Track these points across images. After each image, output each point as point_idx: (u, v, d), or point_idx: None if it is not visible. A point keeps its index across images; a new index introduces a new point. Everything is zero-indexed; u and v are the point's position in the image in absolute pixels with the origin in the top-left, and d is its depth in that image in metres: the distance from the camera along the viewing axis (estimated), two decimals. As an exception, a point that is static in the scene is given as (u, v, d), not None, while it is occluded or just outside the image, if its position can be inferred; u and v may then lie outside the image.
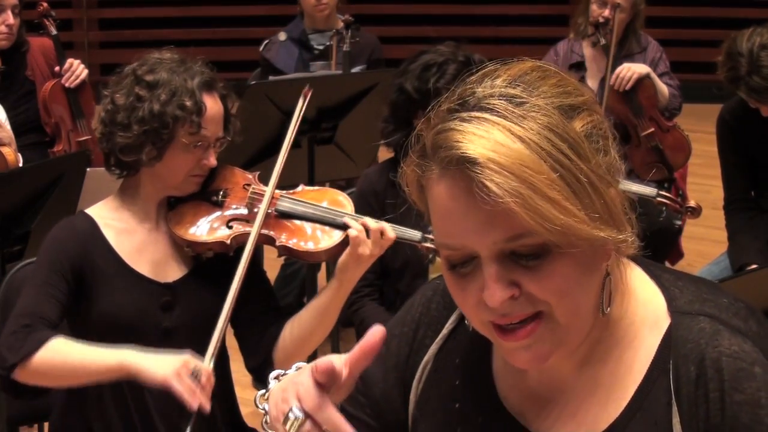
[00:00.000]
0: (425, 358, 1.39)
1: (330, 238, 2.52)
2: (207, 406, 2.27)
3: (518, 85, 1.19)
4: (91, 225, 2.48)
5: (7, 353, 2.35)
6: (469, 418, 1.34)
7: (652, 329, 1.26)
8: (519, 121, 1.15)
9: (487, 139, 1.14)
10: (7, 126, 3.95)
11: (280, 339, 2.53)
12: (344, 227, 2.50)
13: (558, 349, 1.21)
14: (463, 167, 1.14)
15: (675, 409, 1.22)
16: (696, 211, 3.61)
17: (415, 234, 2.60)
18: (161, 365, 2.27)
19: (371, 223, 2.49)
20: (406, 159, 1.26)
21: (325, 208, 2.56)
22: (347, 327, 3.59)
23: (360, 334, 3.25)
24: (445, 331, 1.39)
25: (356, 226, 2.47)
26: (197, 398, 2.26)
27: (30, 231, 2.99)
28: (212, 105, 2.46)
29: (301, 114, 2.72)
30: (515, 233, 1.15)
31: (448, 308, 1.40)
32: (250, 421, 2.71)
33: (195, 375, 2.28)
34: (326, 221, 2.53)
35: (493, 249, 1.16)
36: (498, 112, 1.16)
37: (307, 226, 2.54)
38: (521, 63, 1.24)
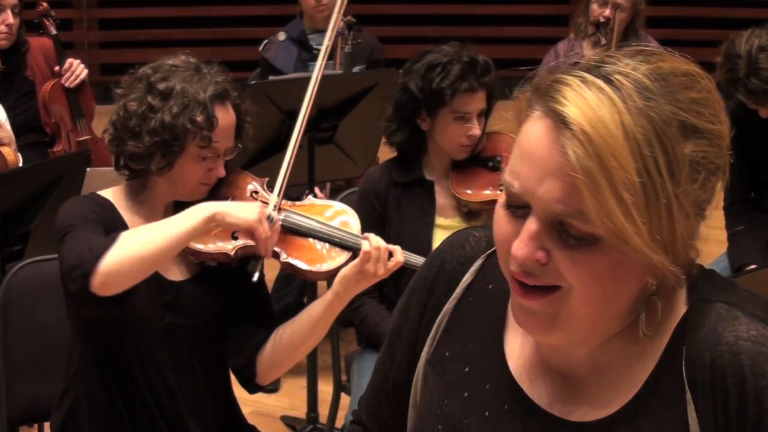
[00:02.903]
0: (440, 317, 1.39)
1: (335, 259, 2.48)
2: (270, 254, 2.41)
3: (658, 81, 1.16)
4: (110, 205, 2.46)
5: (79, 259, 2.24)
6: (477, 383, 1.33)
7: (669, 316, 1.24)
8: (633, 113, 1.13)
9: (594, 111, 1.12)
10: (7, 126, 3.95)
11: (267, 344, 2.51)
12: (350, 248, 2.47)
13: (561, 331, 1.20)
14: (559, 123, 1.13)
15: (689, 396, 1.20)
16: None
17: (421, 261, 2.57)
18: (246, 210, 2.33)
19: (383, 242, 2.46)
20: (522, 87, 1.23)
21: (333, 227, 2.52)
22: (347, 327, 3.58)
23: (361, 333, 3.25)
24: (459, 289, 1.38)
25: (372, 243, 2.43)
26: (270, 244, 2.38)
27: (30, 231, 2.99)
28: (224, 116, 2.44)
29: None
30: (573, 209, 1.13)
31: (462, 263, 1.39)
32: (250, 421, 2.71)
33: (270, 220, 2.39)
34: (333, 241, 2.50)
35: (546, 210, 1.15)
36: (620, 93, 1.13)
37: (314, 245, 2.50)
38: (679, 61, 1.20)
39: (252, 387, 2.56)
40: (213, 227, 2.32)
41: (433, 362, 1.38)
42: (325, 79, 3.71)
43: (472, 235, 1.41)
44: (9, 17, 4.39)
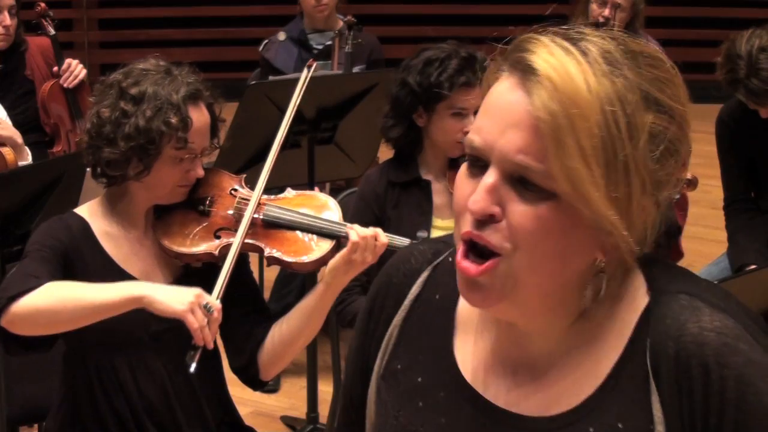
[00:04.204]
0: (389, 330, 1.38)
1: (319, 248, 2.49)
2: (211, 343, 2.27)
3: (624, 54, 1.18)
4: (84, 224, 2.47)
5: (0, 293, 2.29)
6: (430, 392, 1.33)
7: (630, 307, 1.24)
8: (598, 74, 1.15)
9: (560, 63, 1.15)
10: (8, 123, 3.95)
11: (265, 342, 2.52)
12: (332, 236, 2.48)
13: (509, 303, 1.20)
14: (523, 73, 1.15)
15: (653, 386, 1.20)
16: (692, 183, 3.61)
17: (404, 241, 2.58)
18: (175, 298, 2.26)
19: (369, 230, 2.47)
20: (491, 56, 1.25)
21: (314, 216, 2.53)
22: (347, 327, 3.59)
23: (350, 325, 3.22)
24: (407, 302, 1.38)
25: (359, 232, 2.45)
26: (207, 333, 2.26)
27: (30, 231, 2.98)
28: (198, 117, 2.44)
29: (303, 88, 2.69)
30: (533, 159, 1.14)
31: (408, 276, 1.39)
32: (249, 421, 2.71)
33: (207, 309, 2.27)
34: (315, 230, 2.51)
35: (506, 161, 1.16)
36: (587, 56, 1.16)
37: (296, 236, 2.51)
38: (647, 46, 1.23)
39: (256, 384, 2.57)
40: (138, 308, 2.28)
41: (386, 376, 1.37)
42: (325, 79, 3.71)
43: (417, 249, 1.42)
44: (6, 18, 4.39)
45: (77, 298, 2.28)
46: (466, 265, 1.19)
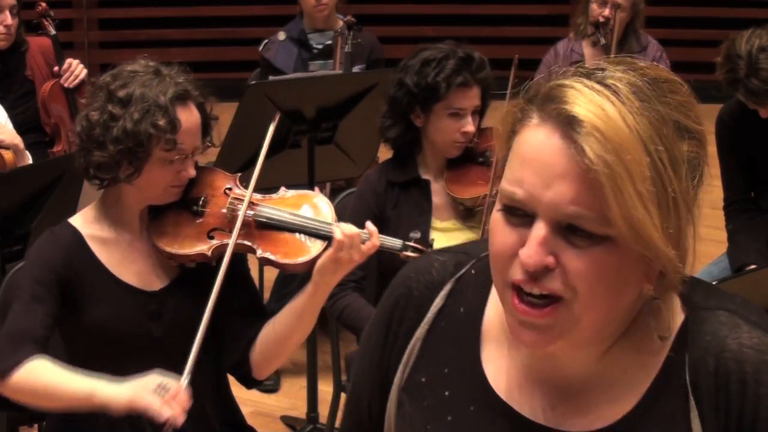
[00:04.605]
0: (411, 343, 1.38)
1: (310, 249, 2.48)
2: (179, 420, 2.19)
3: (648, 84, 1.18)
4: (76, 236, 2.47)
5: None
6: (459, 406, 1.32)
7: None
8: (634, 112, 1.15)
9: (600, 108, 1.14)
10: (9, 126, 3.94)
11: (257, 340, 2.51)
12: (325, 237, 2.48)
13: (562, 341, 1.20)
14: (567, 125, 1.15)
15: (692, 403, 1.20)
16: None
17: (395, 243, 2.58)
18: (122, 389, 2.23)
19: (355, 229, 2.46)
20: (511, 100, 1.24)
21: (306, 217, 2.52)
22: (337, 322, 3.59)
23: (344, 323, 3.20)
24: (430, 314, 1.37)
25: (344, 230, 2.43)
26: (164, 410, 2.18)
27: (30, 231, 2.99)
28: (187, 117, 2.43)
29: (272, 135, 2.65)
30: (587, 209, 1.14)
31: (430, 288, 1.38)
32: (250, 421, 2.71)
33: (162, 389, 2.22)
34: (307, 231, 2.50)
35: (557, 213, 1.15)
36: (619, 95, 1.16)
37: (288, 237, 2.50)
38: (659, 69, 1.23)
39: (249, 383, 2.56)
40: (94, 408, 2.27)
41: (408, 389, 1.37)
42: (325, 79, 3.71)
43: (437, 260, 1.41)
44: (7, 18, 4.39)
45: (49, 388, 2.30)
46: (526, 309, 1.19)
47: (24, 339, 2.34)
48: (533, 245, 1.16)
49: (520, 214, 1.18)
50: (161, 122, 2.37)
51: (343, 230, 2.43)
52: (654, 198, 1.14)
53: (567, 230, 1.16)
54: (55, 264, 2.42)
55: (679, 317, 1.25)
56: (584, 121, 1.13)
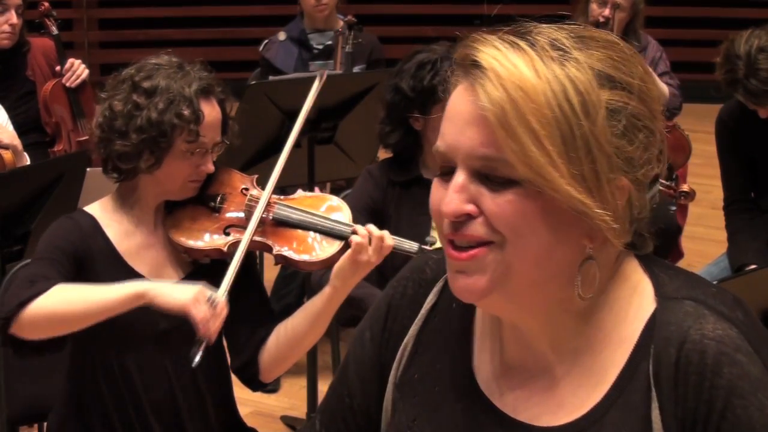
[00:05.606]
0: (405, 340, 1.38)
1: (327, 248, 2.49)
2: (214, 337, 2.26)
3: (574, 40, 1.20)
4: (93, 222, 2.47)
5: (9, 300, 2.31)
6: (447, 401, 1.32)
7: (637, 314, 1.24)
8: (546, 60, 1.16)
9: (504, 57, 1.17)
10: (9, 127, 3.95)
11: (268, 342, 2.51)
12: (341, 237, 2.48)
13: (497, 290, 1.19)
14: (472, 73, 1.17)
15: (654, 394, 1.19)
16: (689, 195, 3.61)
17: (412, 245, 2.57)
18: (179, 292, 2.26)
19: (375, 230, 2.46)
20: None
21: (323, 217, 2.53)
22: (347, 327, 3.59)
23: (356, 309, 3.20)
24: (423, 311, 1.38)
25: (361, 232, 2.43)
26: (210, 326, 2.23)
27: (30, 231, 2.99)
28: (210, 111, 2.45)
29: (314, 97, 2.69)
30: (492, 151, 1.16)
31: (424, 286, 1.39)
32: (249, 421, 2.71)
33: (211, 303, 2.26)
34: (324, 230, 2.51)
35: (469, 158, 1.18)
36: (534, 46, 1.18)
37: (305, 235, 2.51)
38: (605, 34, 1.24)
39: (255, 385, 2.56)
40: (143, 304, 2.27)
41: (401, 386, 1.37)
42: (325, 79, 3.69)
43: (431, 259, 1.41)
44: (13, 17, 4.39)
45: (84, 299, 2.29)
46: (455, 253, 1.20)
47: (42, 279, 2.32)
48: (450, 193, 1.18)
49: (450, 171, 1.20)
50: (185, 113, 2.39)
51: (361, 233, 2.43)
52: (553, 136, 1.14)
53: (485, 178, 1.17)
54: (74, 239, 2.42)
55: (649, 307, 1.23)
56: (485, 66, 1.16)
